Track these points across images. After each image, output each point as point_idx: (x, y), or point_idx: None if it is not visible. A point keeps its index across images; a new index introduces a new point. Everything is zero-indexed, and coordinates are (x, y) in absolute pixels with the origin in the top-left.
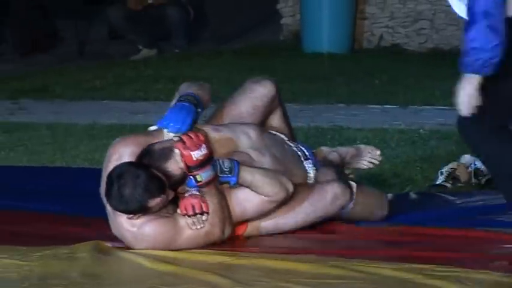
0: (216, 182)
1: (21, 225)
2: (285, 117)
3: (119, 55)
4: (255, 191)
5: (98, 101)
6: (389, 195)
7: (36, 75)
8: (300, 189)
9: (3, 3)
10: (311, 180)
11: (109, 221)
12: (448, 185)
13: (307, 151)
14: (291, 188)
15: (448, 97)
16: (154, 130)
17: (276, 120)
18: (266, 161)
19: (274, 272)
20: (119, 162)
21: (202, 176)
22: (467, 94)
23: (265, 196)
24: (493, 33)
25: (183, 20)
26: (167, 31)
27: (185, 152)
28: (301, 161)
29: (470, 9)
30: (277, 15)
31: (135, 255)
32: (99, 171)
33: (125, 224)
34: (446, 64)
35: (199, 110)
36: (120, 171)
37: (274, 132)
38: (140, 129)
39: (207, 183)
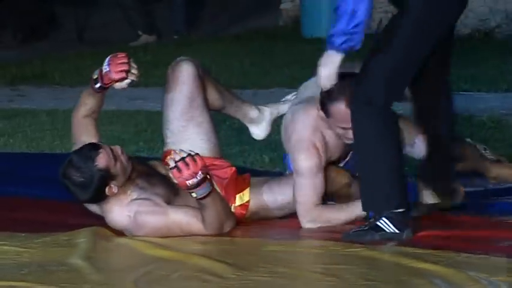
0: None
1: (21, 212)
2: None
3: (118, 41)
4: (202, 212)
5: None
6: None
7: (36, 62)
8: None
9: None
10: None
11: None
12: None
13: None
14: (227, 229)
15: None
16: None
17: (212, 94)
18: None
19: (273, 257)
20: None
21: (198, 193)
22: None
23: (203, 225)
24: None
25: None
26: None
27: (180, 180)
28: None
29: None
30: (276, 0)
31: (133, 241)
32: None
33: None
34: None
35: None
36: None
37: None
38: (140, 115)
39: (204, 198)
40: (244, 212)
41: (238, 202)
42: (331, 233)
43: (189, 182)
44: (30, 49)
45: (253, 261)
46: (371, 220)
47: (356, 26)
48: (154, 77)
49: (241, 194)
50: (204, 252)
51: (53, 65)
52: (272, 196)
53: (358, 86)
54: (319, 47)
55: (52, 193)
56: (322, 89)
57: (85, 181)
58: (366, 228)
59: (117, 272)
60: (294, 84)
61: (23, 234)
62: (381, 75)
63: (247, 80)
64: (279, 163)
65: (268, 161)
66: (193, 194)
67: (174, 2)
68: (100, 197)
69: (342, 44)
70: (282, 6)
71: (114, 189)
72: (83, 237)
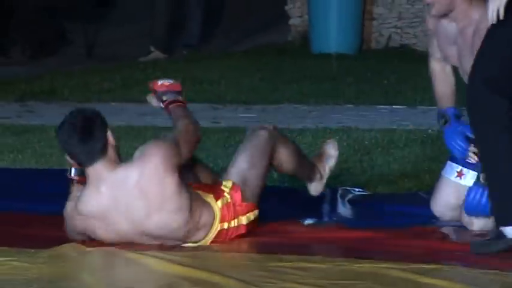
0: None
1: (30, 228)
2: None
3: (128, 57)
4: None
5: (106, 103)
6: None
7: (45, 78)
8: None
9: (11, 5)
10: None
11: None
12: None
13: None
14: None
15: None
16: None
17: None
18: None
19: (282, 272)
20: None
21: (168, 96)
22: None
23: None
24: None
25: (200, 5)
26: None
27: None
28: None
29: None
30: (285, 16)
31: (144, 257)
32: None
33: None
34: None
35: None
36: None
37: None
38: (148, 131)
39: (171, 103)
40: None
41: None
42: (338, 249)
43: (163, 82)
44: (39, 65)
45: (261, 276)
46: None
47: None
48: None
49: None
50: (214, 267)
51: (62, 80)
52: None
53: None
54: (328, 62)
55: (62, 209)
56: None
57: (90, 118)
58: (491, 238)
59: None
60: (303, 99)
61: (32, 250)
62: None
63: (256, 95)
64: (287, 178)
65: (277, 176)
66: (164, 97)
67: (191, 18)
68: (103, 140)
69: None
70: (291, 22)
71: (112, 137)
72: (91, 253)
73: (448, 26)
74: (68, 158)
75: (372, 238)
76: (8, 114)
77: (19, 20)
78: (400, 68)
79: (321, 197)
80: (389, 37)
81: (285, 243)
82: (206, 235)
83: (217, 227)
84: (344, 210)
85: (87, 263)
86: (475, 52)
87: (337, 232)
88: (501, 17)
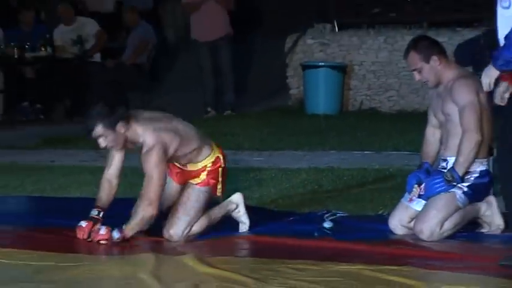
0: None
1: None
2: None
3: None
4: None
5: None
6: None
7: None
8: None
9: (88, 81)
10: None
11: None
12: None
13: None
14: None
15: (410, 145)
16: None
17: None
18: None
19: (284, 272)
20: None
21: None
22: (489, 79)
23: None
24: None
25: (232, 76)
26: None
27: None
28: None
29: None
30: (286, 87)
31: (186, 258)
32: None
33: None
34: (408, 121)
35: None
36: None
37: None
38: None
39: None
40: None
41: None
42: (329, 255)
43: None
44: None
45: (269, 275)
46: None
47: None
48: None
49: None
50: (233, 269)
51: None
52: None
53: (504, 134)
54: (318, 120)
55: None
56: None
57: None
58: None
59: (174, 283)
60: (299, 147)
61: (104, 256)
62: None
63: (265, 145)
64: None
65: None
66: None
67: (228, 86)
68: (123, 114)
69: (501, 65)
70: (291, 91)
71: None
72: (146, 257)
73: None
74: None
75: (349, 247)
76: (86, 159)
77: (94, 91)
78: (369, 125)
79: (312, 217)
80: (361, 102)
81: (286, 250)
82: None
83: None
84: (328, 226)
85: (146, 265)
86: (446, 106)
87: (323, 242)
88: (490, 89)
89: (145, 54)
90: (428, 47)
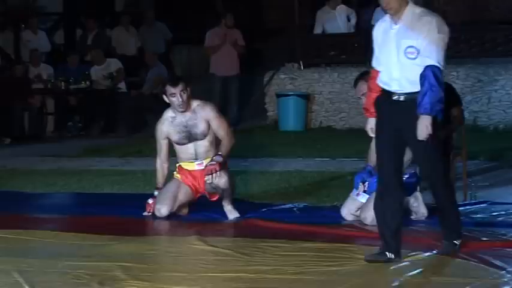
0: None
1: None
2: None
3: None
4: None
5: (171, 158)
6: None
7: (135, 144)
8: None
9: (115, 103)
10: None
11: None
12: None
13: None
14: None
15: (357, 154)
16: None
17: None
18: None
19: (265, 248)
20: None
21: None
22: (427, 126)
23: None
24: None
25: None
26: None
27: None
28: None
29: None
30: (264, 110)
31: (189, 238)
32: None
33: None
34: (356, 136)
35: None
36: None
37: None
38: None
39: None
40: None
41: None
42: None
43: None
44: (132, 137)
45: (253, 251)
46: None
47: (441, 99)
48: None
49: None
50: (227, 246)
51: (145, 145)
52: None
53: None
54: (289, 136)
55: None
56: (421, 138)
57: None
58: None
59: (183, 257)
60: (275, 155)
61: (128, 237)
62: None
63: (249, 153)
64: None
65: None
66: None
67: (233, 105)
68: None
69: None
70: (268, 114)
71: None
72: (158, 238)
73: None
74: None
75: (312, 229)
76: (116, 164)
77: (121, 114)
78: (327, 139)
79: (284, 207)
80: (321, 122)
81: (266, 232)
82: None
83: None
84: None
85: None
86: None
87: (293, 226)
88: (430, 132)
89: (160, 86)
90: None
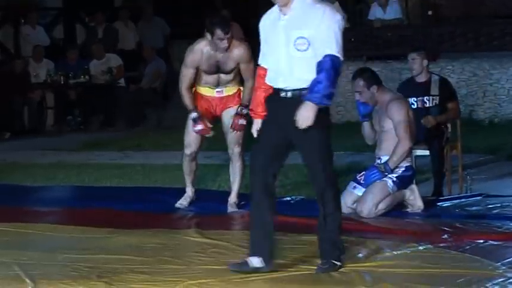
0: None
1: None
2: None
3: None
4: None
5: (169, 151)
6: None
7: (134, 138)
8: None
9: (116, 98)
10: None
11: None
12: None
13: None
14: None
15: (353, 148)
16: None
17: None
18: None
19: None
20: None
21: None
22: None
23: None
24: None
25: None
26: None
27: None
28: None
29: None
30: None
31: (189, 231)
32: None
33: None
34: (352, 130)
35: None
36: None
37: None
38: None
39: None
40: None
41: None
42: (295, 228)
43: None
44: (131, 131)
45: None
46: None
47: (331, 94)
48: None
49: None
50: (224, 239)
51: (144, 139)
52: None
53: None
54: None
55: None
56: (299, 126)
57: None
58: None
59: (183, 251)
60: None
61: (128, 230)
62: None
63: (249, 148)
64: None
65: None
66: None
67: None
68: None
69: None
70: None
71: None
72: (158, 231)
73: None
74: None
75: (309, 222)
76: (115, 158)
77: (120, 108)
78: None
79: (282, 201)
80: None
81: None
82: None
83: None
84: (292, 207)
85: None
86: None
87: (291, 218)
88: (310, 123)
89: (159, 81)
90: (370, 78)
